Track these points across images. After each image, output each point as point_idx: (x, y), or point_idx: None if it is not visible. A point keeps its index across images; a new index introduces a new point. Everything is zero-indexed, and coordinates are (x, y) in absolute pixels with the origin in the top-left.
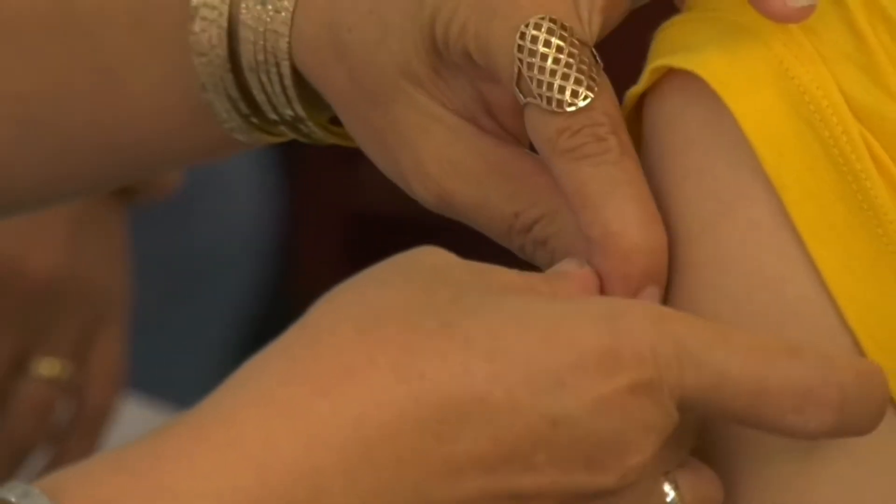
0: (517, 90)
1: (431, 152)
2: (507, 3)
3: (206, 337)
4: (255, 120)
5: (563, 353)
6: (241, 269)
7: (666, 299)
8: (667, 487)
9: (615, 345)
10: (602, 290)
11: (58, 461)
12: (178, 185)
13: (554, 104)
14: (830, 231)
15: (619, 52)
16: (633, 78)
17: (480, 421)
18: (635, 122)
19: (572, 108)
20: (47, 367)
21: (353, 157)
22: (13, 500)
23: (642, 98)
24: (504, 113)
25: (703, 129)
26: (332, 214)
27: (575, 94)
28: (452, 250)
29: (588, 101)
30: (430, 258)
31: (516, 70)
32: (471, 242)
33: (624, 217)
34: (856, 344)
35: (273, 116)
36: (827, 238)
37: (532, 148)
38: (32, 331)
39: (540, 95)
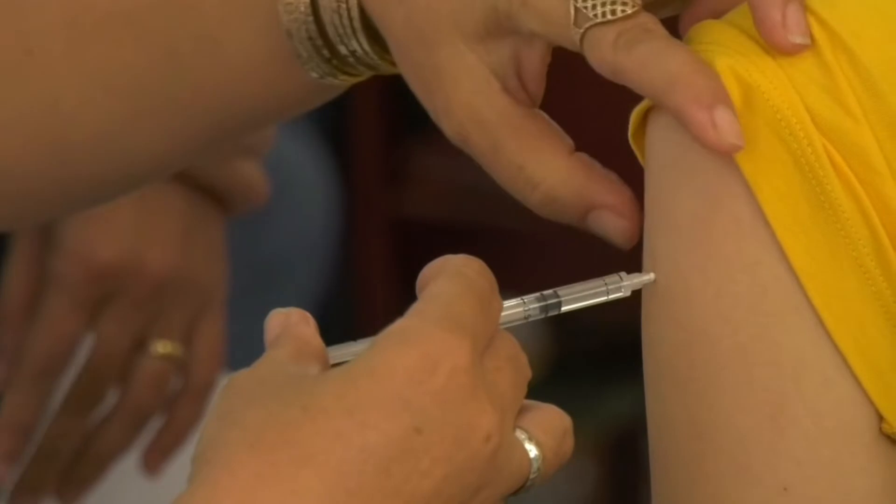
0: (574, 28)
1: (460, 97)
2: None
3: None
4: (330, 57)
5: (392, 381)
6: (306, 271)
7: (660, 278)
8: (520, 434)
9: (422, 353)
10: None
11: (170, 424)
12: (265, 200)
13: (609, 15)
14: (797, 225)
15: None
16: (639, 98)
17: (371, 461)
18: (641, 134)
19: (623, 14)
20: (163, 347)
21: (400, 170)
22: None
23: (647, 114)
24: (530, 77)
25: (696, 141)
26: (381, 222)
27: (623, 6)
28: (488, 252)
29: (631, 9)
30: (243, 383)
31: (572, 12)
32: (506, 244)
33: (687, 63)
34: (816, 315)
35: (343, 51)
36: (794, 230)
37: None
38: (151, 317)
39: (596, 14)
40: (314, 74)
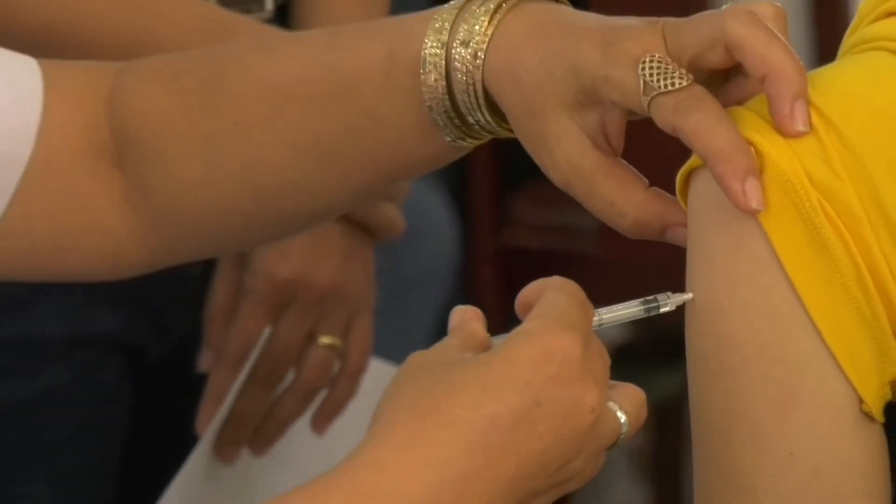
0: (643, 97)
1: (562, 153)
2: (627, 56)
3: (412, 331)
4: (460, 125)
5: (518, 366)
6: (432, 288)
7: (697, 297)
8: (612, 406)
9: (543, 349)
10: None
11: (331, 397)
12: (403, 233)
13: (669, 86)
14: (800, 259)
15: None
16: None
17: (498, 426)
18: (685, 186)
19: (680, 85)
20: (327, 340)
21: (504, 212)
22: None
23: (690, 172)
24: (613, 135)
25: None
26: (489, 252)
27: (680, 79)
28: (572, 274)
29: (686, 82)
30: (416, 361)
31: (642, 85)
32: (586, 268)
33: (730, 141)
34: (815, 327)
35: (471, 120)
36: (798, 264)
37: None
38: (318, 318)
39: (659, 86)
40: (448, 138)
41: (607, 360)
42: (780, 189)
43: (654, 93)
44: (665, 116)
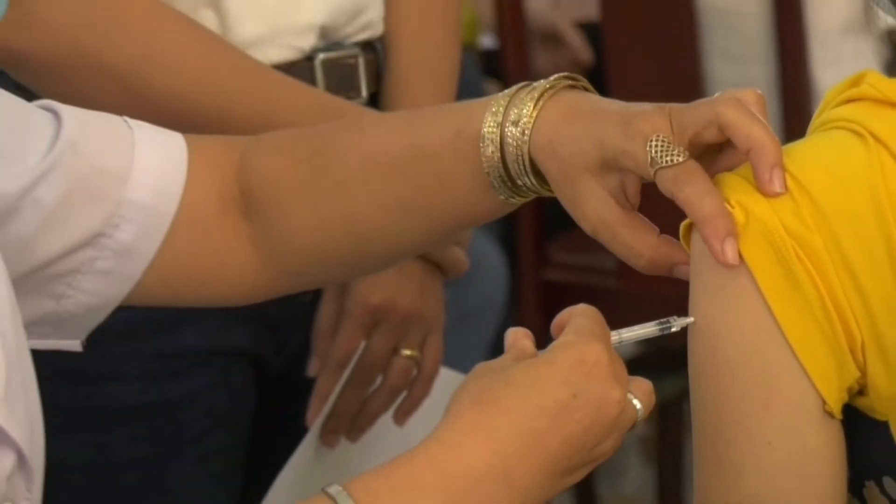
0: (650, 168)
1: (590, 208)
2: (640, 135)
3: (471, 348)
4: (511, 187)
5: (560, 367)
6: (487, 315)
7: (698, 321)
8: (630, 397)
9: (578, 355)
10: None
11: (410, 396)
12: (465, 271)
13: (669, 162)
14: (777, 292)
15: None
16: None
17: (544, 414)
18: (687, 234)
19: (678, 161)
20: (408, 352)
21: (545, 255)
22: (333, 493)
23: (690, 224)
24: (631, 194)
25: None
26: (532, 287)
27: (678, 157)
28: (605, 304)
29: (683, 158)
30: (482, 369)
31: (649, 159)
32: (615, 300)
33: (713, 209)
34: (790, 345)
35: (520, 183)
36: (776, 295)
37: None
38: (401, 335)
39: (662, 161)
40: (501, 197)
41: (624, 366)
42: (762, 237)
43: (658, 166)
44: (665, 185)
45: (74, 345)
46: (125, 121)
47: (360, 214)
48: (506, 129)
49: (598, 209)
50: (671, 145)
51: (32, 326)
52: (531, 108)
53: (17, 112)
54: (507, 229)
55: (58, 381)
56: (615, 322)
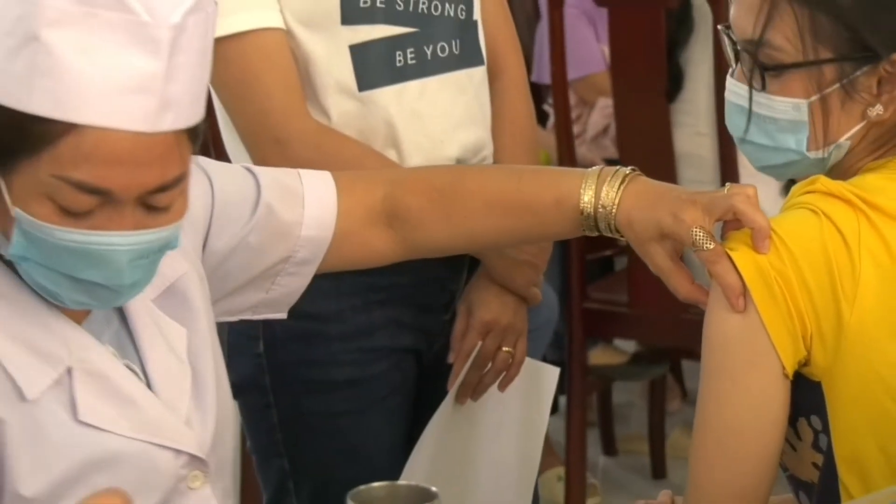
0: (693, 248)
1: (653, 262)
2: (684, 224)
3: (535, 352)
4: (595, 230)
5: None
6: (547, 332)
7: (709, 322)
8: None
9: None
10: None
11: (507, 377)
12: (539, 301)
13: (704, 246)
14: (769, 311)
15: None
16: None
17: None
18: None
19: (709, 247)
20: (506, 349)
21: (587, 289)
22: None
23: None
24: (677, 252)
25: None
26: (578, 313)
27: (709, 244)
28: (622, 325)
29: (714, 244)
30: None
31: (691, 241)
32: (630, 321)
33: (733, 281)
34: (768, 334)
35: (605, 231)
36: (768, 314)
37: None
38: (503, 338)
39: (703, 246)
40: (587, 232)
41: None
42: (756, 270)
43: (698, 249)
44: (702, 258)
45: (282, 315)
46: (299, 175)
47: (478, 233)
48: (599, 204)
49: (657, 262)
50: (707, 235)
51: (253, 309)
52: (616, 187)
53: (237, 179)
54: (562, 277)
55: (303, 367)
56: (624, 332)
